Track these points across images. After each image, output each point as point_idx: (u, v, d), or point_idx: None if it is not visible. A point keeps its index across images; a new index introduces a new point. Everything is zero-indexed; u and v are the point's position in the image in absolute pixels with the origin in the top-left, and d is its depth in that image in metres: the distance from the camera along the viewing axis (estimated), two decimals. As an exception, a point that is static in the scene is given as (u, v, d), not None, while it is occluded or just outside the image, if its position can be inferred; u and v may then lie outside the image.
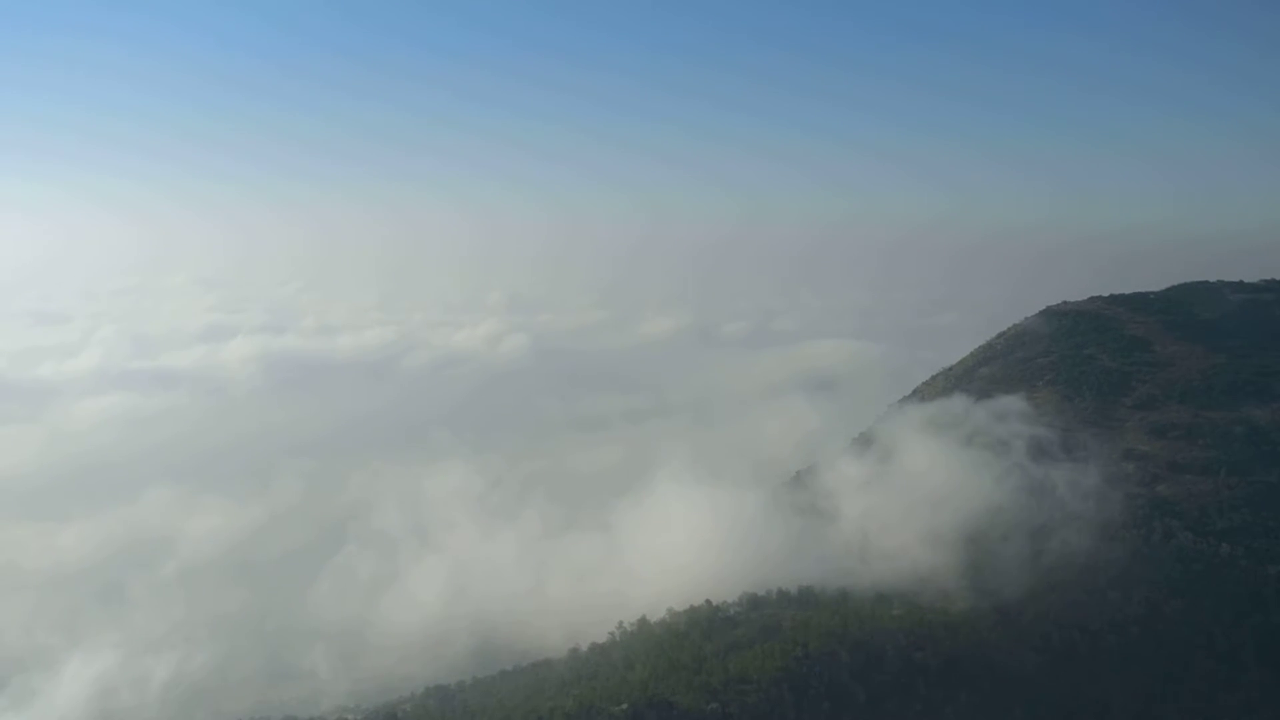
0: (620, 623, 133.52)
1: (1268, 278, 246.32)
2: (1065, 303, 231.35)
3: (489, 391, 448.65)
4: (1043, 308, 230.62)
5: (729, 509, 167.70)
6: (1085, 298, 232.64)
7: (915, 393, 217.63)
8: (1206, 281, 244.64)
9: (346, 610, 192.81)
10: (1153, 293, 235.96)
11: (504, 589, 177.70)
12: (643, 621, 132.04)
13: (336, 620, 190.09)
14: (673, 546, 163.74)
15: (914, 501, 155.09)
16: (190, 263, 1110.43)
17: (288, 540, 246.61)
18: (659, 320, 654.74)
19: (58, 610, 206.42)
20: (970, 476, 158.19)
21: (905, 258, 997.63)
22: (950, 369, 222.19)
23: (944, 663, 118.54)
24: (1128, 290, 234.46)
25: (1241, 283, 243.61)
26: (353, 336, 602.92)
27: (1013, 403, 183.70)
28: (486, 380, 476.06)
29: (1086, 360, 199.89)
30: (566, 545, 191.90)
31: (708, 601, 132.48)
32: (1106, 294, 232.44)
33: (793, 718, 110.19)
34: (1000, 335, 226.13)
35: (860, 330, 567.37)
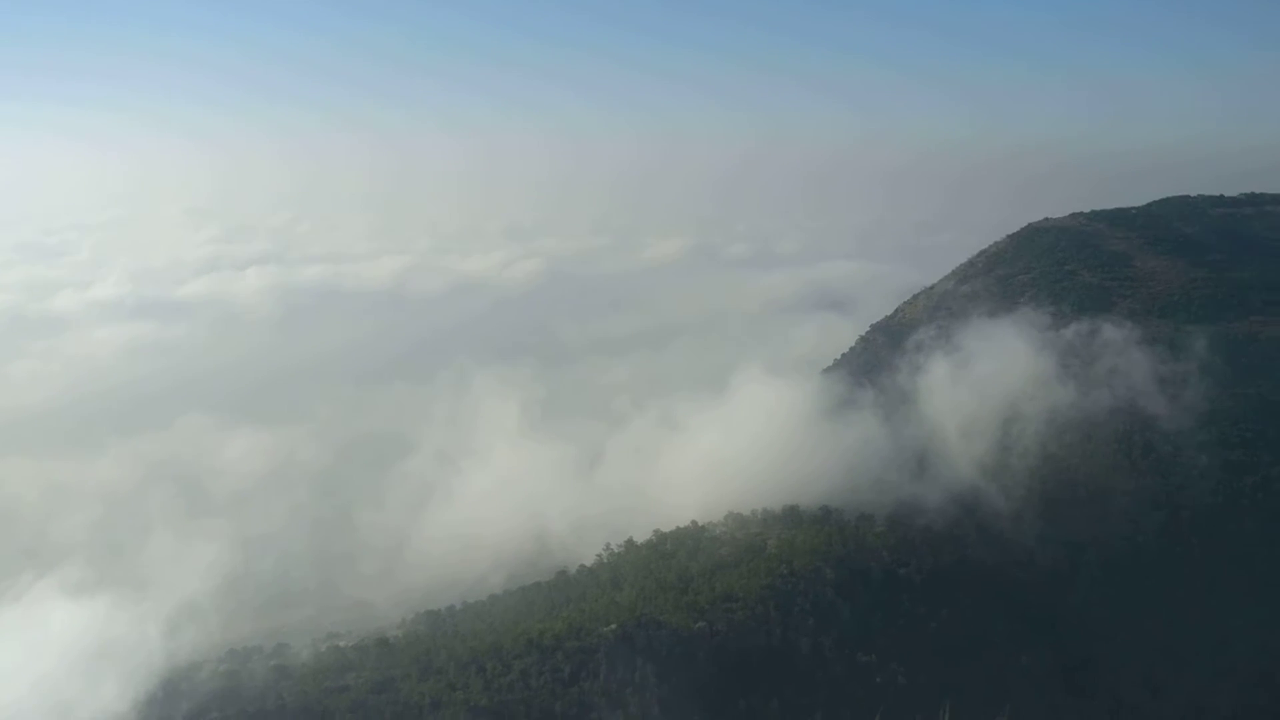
0: (608, 544, 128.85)
1: (1247, 191, 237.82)
2: (1046, 219, 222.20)
3: (505, 316, 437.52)
4: (1024, 225, 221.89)
5: (753, 421, 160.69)
6: (1067, 214, 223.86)
7: (897, 312, 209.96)
8: (1186, 196, 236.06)
9: (388, 528, 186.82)
10: (1134, 208, 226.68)
11: (542, 503, 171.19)
12: (629, 543, 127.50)
13: (379, 537, 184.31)
14: (706, 456, 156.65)
15: (896, 419, 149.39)
16: (178, 193, 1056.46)
17: (324, 463, 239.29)
18: (663, 244, 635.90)
19: (108, 532, 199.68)
20: (950, 393, 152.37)
21: (902, 180, 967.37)
22: (932, 288, 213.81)
23: (927, 578, 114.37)
24: (1109, 206, 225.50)
25: (1221, 197, 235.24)
26: (365, 265, 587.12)
27: (993, 320, 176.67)
28: (502, 305, 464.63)
29: (1067, 276, 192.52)
30: (601, 459, 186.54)
31: (693, 522, 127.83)
32: (1088, 210, 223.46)
33: (779, 635, 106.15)
34: (981, 253, 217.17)
35: (862, 251, 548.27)
